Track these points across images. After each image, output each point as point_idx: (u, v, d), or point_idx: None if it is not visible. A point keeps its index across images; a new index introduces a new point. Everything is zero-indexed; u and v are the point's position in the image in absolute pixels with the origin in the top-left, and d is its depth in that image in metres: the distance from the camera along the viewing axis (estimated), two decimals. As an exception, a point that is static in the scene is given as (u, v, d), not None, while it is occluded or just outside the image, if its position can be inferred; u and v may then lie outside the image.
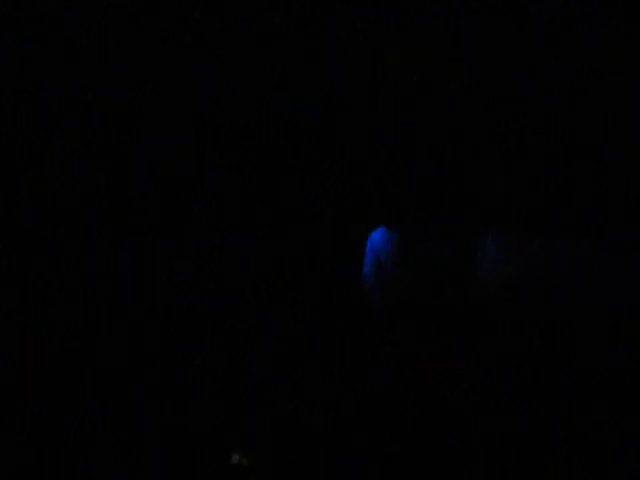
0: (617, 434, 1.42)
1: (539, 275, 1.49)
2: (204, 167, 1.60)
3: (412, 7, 1.54)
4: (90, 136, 1.59)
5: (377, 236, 1.58)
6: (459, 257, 1.50)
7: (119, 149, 1.60)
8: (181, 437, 1.49)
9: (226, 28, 1.58)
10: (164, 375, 1.54)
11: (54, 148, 1.59)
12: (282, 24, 1.57)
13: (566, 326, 1.48)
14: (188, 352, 1.55)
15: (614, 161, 1.53)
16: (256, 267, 1.59)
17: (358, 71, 1.58)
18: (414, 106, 1.57)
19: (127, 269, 1.57)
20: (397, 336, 1.54)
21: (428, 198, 1.55)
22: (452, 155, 1.56)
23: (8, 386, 1.51)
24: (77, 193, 1.59)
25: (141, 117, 1.60)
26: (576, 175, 1.54)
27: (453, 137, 1.56)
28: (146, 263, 1.58)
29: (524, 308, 1.50)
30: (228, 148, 1.61)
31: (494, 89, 1.56)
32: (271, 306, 1.57)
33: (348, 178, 1.58)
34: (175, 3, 1.57)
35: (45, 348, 1.54)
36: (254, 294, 1.58)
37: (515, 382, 1.50)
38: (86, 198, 1.59)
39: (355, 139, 1.58)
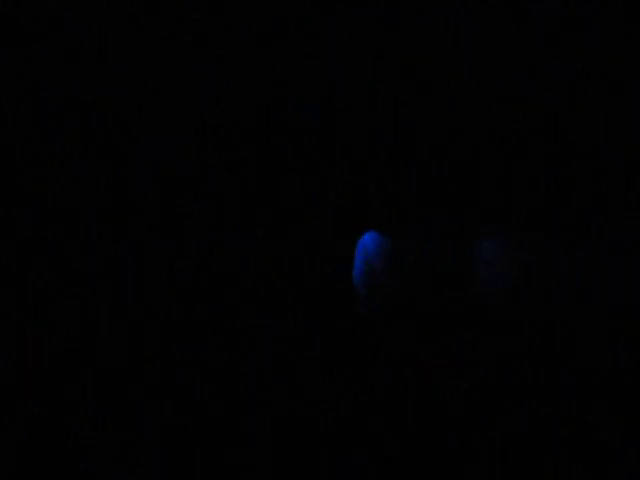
0: (617, 434, 1.42)
1: (539, 275, 1.49)
2: (204, 167, 1.60)
3: (412, 7, 1.54)
4: (90, 136, 1.59)
5: (368, 240, 1.57)
6: (455, 261, 1.50)
7: (119, 149, 1.60)
8: (181, 437, 1.49)
9: (226, 28, 1.58)
10: (164, 375, 1.54)
11: (54, 148, 1.59)
12: (282, 24, 1.57)
13: (566, 326, 1.48)
14: (188, 352, 1.55)
15: (614, 161, 1.53)
16: (256, 267, 1.59)
17: (358, 71, 1.58)
18: (414, 106, 1.57)
19: (127, 269, 1.57)
20: (392, 339, 1.54)
21: (425, 198, 1.55)
22: (451, 155, 1.56)
23: (8, 386, 1.51)
24: (77, 193, 1.59)
25: (141, 117, 1.60)
26: (576, 175, 1.54)
27: (452, 137, 1.56)
28: (146, 263, 1.58)
29: (523, 309, 1.50)
30: (228, 148, 1.61)
31: (494, 89, 1.56)
32: (271, 306, 1.57)
33: (348, 178, 1.58)
34: (175, 3, 1.57)
35: (45, 348, 1.54)
36: (254, 294, 1.58)
37: (515, 382, 1.50)
38: (86, 198, 1.59)
39: (355, 139, 1.58)
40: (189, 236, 1.59)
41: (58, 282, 1.56)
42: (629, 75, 1.51)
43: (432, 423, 1.49)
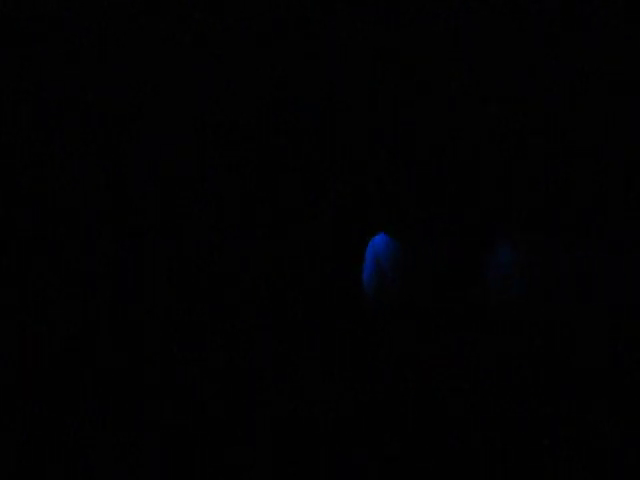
0: (617, 434, 1.42)
1: (539, 276, 1.49)
2: (204, 167, 1.60)
3: (412, 7, 1.54)
4: (90, 136, 1.59)
5: (379, 241, 1.57)
6: (462, 263, 1.50)
7: (119, 149, 1.60)
8: (181, 437, 1.49)
9: (226, 28, 1.58)
10: (164, 375, 1.54)
11: (54, 148, 1.59)
12: (282, 24, 1.57)
13: (566, 326, 1.48)
14: (188, 352, 1.55)
15: (614, 161, 1.53)
16: (256, 267, 1.59)
17: (358, 71, 1.58)
18: (414, 106, 1.57)
19: (127, 269, 1.57)
20: (397, 339, 1.54)
21: (431, 198, 1.55)
22: (452, 156, 1.56)
23: (8, 386, 1.51)
24: (77, 193, 1.59)
25: (141, 117, 1.60)
26: (576, 175, 1.54)
27: (454, 137, 1.56)
28: (146, 263, 1.58)
29: (526, 309, 1.50)
30: (228, 148, 1.61)
31: (494, 89, 1.56)
32: (271, 306, 1.57)
33: (348, 178, 1.58)
34: (175, 3, 1.57)
35: (45, 348, 1.54)
36: (254, 294, 1.58)
37: (515, 382, 1.50)
38: (86, 198, 1.59)
39: (355, 139, 1.58)
40: (189, 236, 1.59)
41: (58, 282, 1.56)
42: (629, 75, 1.51)
43: (432, 423, 1.49)
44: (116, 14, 1.58)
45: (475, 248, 1.53)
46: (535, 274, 1.48)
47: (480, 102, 1.56)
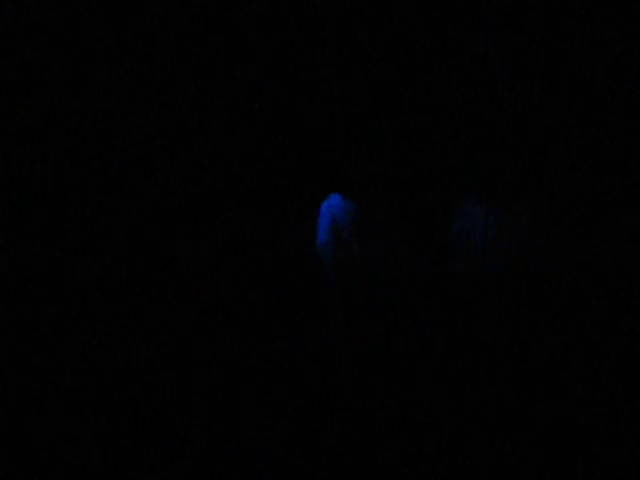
0: (617, 434, 1.42)
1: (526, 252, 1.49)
2: (203, 167, 1.61)
3: (413, 7, 1.54)
4: (89, 136, 1.60)
5: (334, 201, 1.53)
6: (432, 230, 1.48)
7: (118, 149, 1.60)
8: (181, 438, 1.50)
9: (226, 29, 1.58)
10: (165, 375, 1.54)
11: (55, 148, 1.59)
12: (282, 25, 1.57)
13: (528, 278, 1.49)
14: (188, 352, 1.56)
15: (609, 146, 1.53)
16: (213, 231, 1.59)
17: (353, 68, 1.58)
18: (376, 72, 1.57)
19: (127, 269, 1.58)
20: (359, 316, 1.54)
21: (391, 161, 1.54)
22: (416, 118, 1.56)
23: (8, 386, 1.51)
24: (77, 192, 1.59)
25: (141, 117, 1.60)
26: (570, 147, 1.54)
27: (418, 100, 1.56)
28: (145, 264, 1.58)
29: (506, 287, 1.50)
30: (229, 148, 1.61)
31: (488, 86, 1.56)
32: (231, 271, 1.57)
33: (306, 139, 1.56)
34: (174, 3, 1.57)
35: (45, 348, 1.54)
36: (253, 291, 1.58)
37: (515, 381, 1.50)
38: (87, 197, 1.59)
39: (317, 101, 1.58)
40: (189, 236, 1.59)
41: (58, 282, 1.56)
42: (629, 75, 1.52)
43: (432, 422, 1.49)
44: (116, 14, 1.58)
45: (435, 210, 1.52)
46: (495, 235, 1.48)
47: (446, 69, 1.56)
